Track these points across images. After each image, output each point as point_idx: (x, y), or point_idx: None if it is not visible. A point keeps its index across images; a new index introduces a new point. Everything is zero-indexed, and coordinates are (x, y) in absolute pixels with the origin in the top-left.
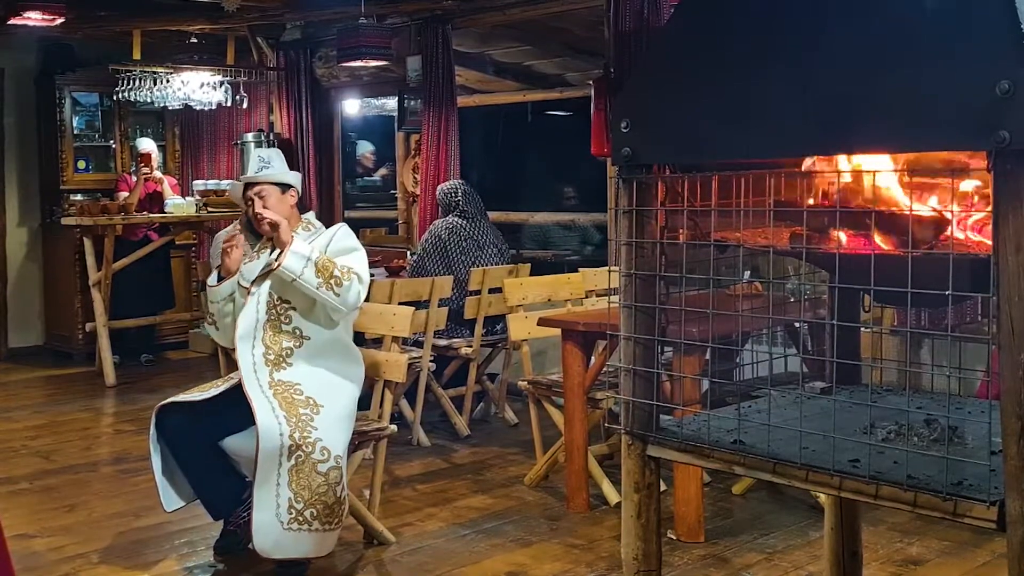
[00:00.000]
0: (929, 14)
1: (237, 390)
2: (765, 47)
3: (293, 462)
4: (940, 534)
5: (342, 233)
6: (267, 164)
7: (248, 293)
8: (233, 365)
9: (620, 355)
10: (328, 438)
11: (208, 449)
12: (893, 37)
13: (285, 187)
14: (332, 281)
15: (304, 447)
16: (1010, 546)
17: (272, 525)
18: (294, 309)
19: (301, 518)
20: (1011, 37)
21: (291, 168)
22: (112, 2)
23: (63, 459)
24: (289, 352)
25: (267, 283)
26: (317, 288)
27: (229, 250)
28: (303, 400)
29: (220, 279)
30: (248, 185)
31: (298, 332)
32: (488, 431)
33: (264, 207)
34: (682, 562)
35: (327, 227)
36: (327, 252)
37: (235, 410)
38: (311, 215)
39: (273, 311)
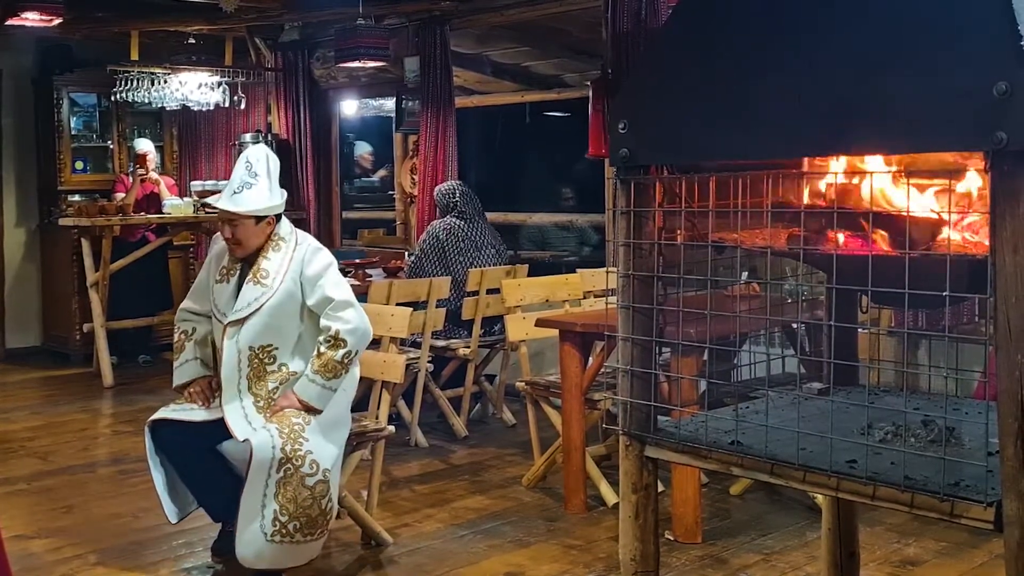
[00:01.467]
0: (927, 16)
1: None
2: (763, 49)
3: (282, 474)
4: (937, 535)
5: (309, 255)
6: (253, 179)
7: (223, 329)
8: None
9: (618, 356)
10: (318, 450)
11: (206, 453)
12: (891, 39)
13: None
14: (345, 360)
15: (294, 460)
16: (1007, 547)
17: (256, 536)
18: (278, 349)
19: (284, 531)
20: (1008, 39)
21: (290, 170)
22: (110, 3)
23: (61, 460)
24: (275, 391)
25: (243, 332)
26: (350, 369)
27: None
28: (294, 411)
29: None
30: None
31: (284, 369)
32: (486, 432)
33: (233, 233)
34: (680, 563)
35: (322, 232)
36: (303, 284)
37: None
38: (282, 223)
39: (256, 359)
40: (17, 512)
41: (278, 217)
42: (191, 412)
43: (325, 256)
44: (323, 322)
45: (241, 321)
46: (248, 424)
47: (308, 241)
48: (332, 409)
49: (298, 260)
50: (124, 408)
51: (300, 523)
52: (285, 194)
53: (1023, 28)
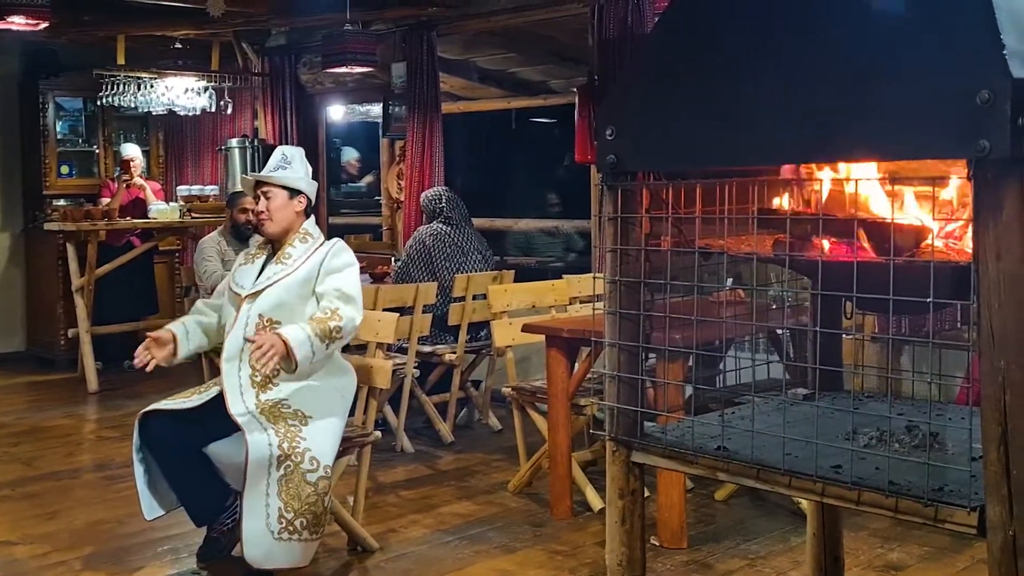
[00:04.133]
0: (912, 25)
1: (221, 397)
2: (749, 56)
3: (282, 472)
4: (921, 539)
5: (336, 250)
6: (287, 164)
7: (240, 301)
8: (217, 370)
9: (605, 361)
10: (317, 448)
11: (192, 455)
12: (876, 47)
13: (294, 192)
14: (333, 333)
15: (293, 457)
16: (990, 551)
17: (263, 535)
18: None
19: (291, 528)
20: (991, 48)
21: None
22: (97, 7)
23: (45, 466)
24: (275, 372)
25: (257, 302)
26: (329, 347)
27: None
28: (291, 412)
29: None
30: (259, 182)
31: None
32: (472, 437)
33: (267, 208)
34: (665, 568)
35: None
36: (321, 270)
37: (220, 416)
38: (311, 222)
39: (262, 330)
40: (1, 518)
41: (307, 213)
42: (183, 402)
43: (350, 256)
44: (324, 303)
45: (258, 293)
46: (240, 396)
47: (336, 239)
48: (329, 410)
49: (324, 250)
50: (109, 414)
51: (307, 520)
52: (316, 185)
53: (1006, 37)
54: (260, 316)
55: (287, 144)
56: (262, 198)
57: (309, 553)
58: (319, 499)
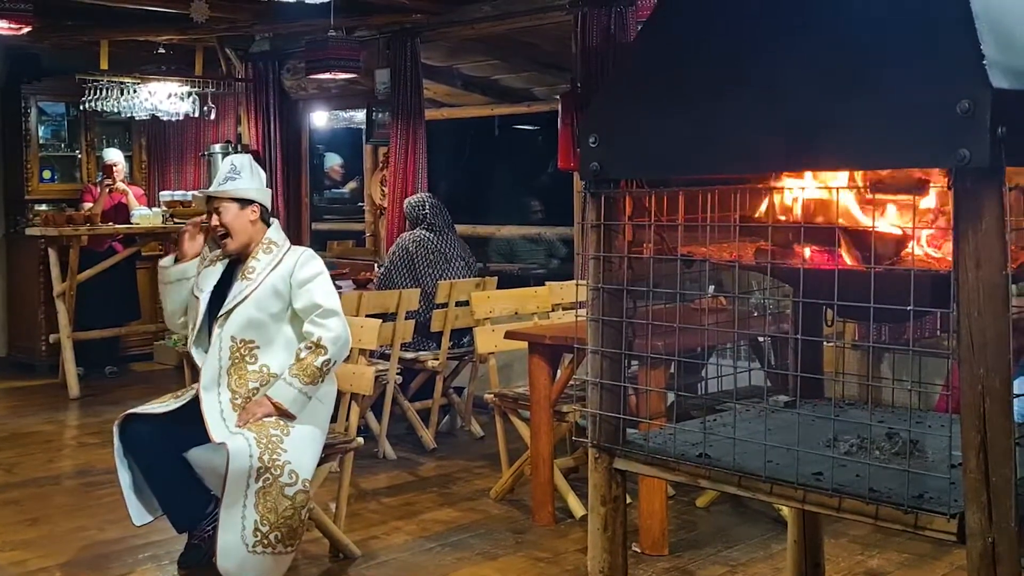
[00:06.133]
0: (892, 35)
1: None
2: (730, 65)
3: (261, 484)
4: (900, 547)
5: (304, 259)
6: (235, 175)
7: (213, 323)
8: (198, 375)
9: (587, 368)
10: (297, 461)
11: (173, 461)
12: (857, 56)
13: (245, 202)
14: (323, 370)
15: (272, 470)
16: (970, 558)
17: (237, 548)
18: (259, 347)
19: (266, 541)
20: (971, 58)
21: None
22: (80, 12)
23: (25, 472)
24: (255, 392)
25: (229, 323)
26: (322, 381)
27: (191, 236)
28: (272, 421)
29: (176, 261)
30: (210, 197)
31: (265, 370)
32: (454, 444)
33: (220, 223)
34: (646, 575)
35: (292, 242)
36: (292, 283)
37: (199, 420)
38: (275, 228)
39: (237, 353)
40: None
41: (267, 222)
42: (162, 406)
43: (319, 264)
44: (307, 327)
45: (228, 313)
46: (223, 422)
47: (303, 248)
48: (310, 421)
49: (289, 263)
50: (90, 420)
51: (281, 533)
52: (270, 192)
53: (985, 47)
54: (233, 339)
55: (269, 151)
56: (214, 215)
57: (283, 566)
58: (296, 512)
